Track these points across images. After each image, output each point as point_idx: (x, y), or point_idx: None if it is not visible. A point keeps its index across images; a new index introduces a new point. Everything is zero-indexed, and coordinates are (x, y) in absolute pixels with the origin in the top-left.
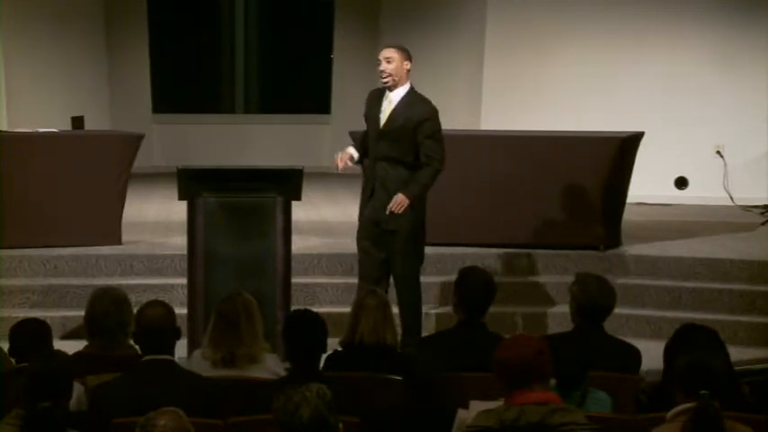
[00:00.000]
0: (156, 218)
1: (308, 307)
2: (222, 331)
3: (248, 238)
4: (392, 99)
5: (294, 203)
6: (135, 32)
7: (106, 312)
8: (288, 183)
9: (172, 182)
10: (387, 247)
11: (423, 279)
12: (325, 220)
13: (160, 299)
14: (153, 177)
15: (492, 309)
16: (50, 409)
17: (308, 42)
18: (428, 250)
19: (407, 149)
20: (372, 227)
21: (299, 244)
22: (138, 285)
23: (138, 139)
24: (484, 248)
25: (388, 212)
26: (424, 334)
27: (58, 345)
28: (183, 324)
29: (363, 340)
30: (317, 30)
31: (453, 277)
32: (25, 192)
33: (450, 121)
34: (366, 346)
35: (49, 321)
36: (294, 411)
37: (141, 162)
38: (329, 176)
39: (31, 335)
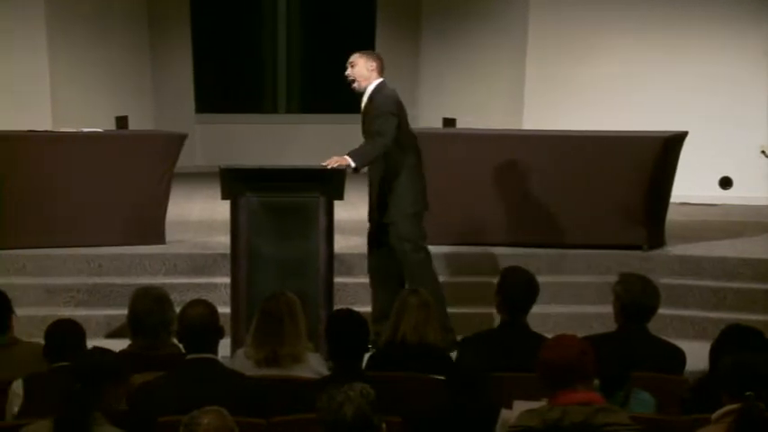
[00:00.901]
0: (200, 217)
1: (351, 306)
2: (266, 331)
3: (291, 237)
4: (364, 98)
5: (336, 203)
6: (178, 33)
7: (149, 311)
8: (330, 182)
9: (215, 181)
10: (388, 239)
11: (466, 279)
12: (366, 220)
13: (203, 298)
14: (196, 177)
15: (534, 309)
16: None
17: (350, 42)
18: (470, 250)
19: None
20: (372, 224)
21: (341, 243)
22: (182, 284)
23: (182, 138)
24: (526, 248)
25: (326, 164)
26: (467, 335)
27: (102, 343)
28: (225, 323)
29: (405, 339)
30: (359, 29)
31: (495, 278)
32: (70, 191)
33: (491, 120)
34: (408, 345)
35: (93, 320)
36: (337, 410)
37: (184, 162)
38: None
39: (66, 335)
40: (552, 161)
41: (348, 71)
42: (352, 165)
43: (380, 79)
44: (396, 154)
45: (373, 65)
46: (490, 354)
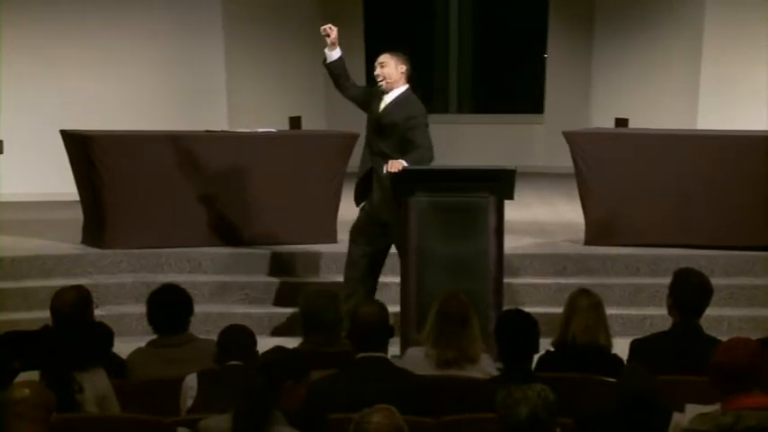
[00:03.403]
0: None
1: (520, 307)
2: (448, 331)
3: (461, 237)
4: (386, 99)
5: (506, 203)
6: (351, 33)
7: (322, 309)
8: (500, 182)
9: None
10: (382, 241)
11: (636, 281)
12: (537, 220)
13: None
14: None
15: (708, 311)
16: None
17: (522, 42)
18: (640, 251)
19: (397, 146)
20: (369, 222)
21: (511, 244)
22: None
23: (354, 138)
24: (698, 250)
25: (384, 172)
26: (638, 336)
27: (269, 342)
28: (395, 322)
29: (576, 341)
30: (532, 29)
31: (667, 279)
32: (244, 190)
33: (665, 120)
34: (578, 346)
35: (265, 318)
36: (513, 407)
37: (355, 161)
38: (541, 176)
39: (238, 341)
40: (725, 161)
41: (377, 71)
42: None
43: (407, 85)
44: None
45: (404, 68)
46: (662, 356)
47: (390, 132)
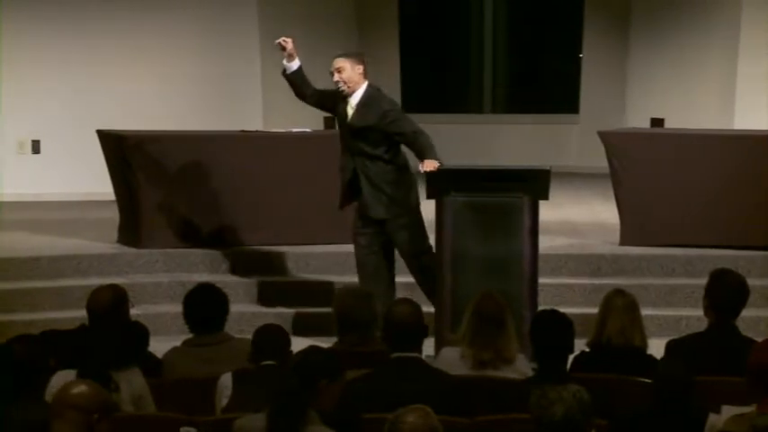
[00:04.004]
0: None
1: (555, 307)
2: (485, 332)
3: (495, 237)
4: (352, 103)
5: (541, 203)
6: (386, 34)
7: (356, 308)
8: (535, 183)
9: (419, 181)
10: (382, 238)
11: (672, 281)
12: (572, 220)
13: (408, 297)
14: None
15: (744, 312)
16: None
17: (557, 41)
18: (676, 251)
19: (378, 144)
20: (365, 223)
21: (545, 244)
22: None
23: None
24: (734, 250)
25: (421, 171)
26: (674, 337)
27: (303, 342)
28: (429, 322)
29: (611, 341)
30: (567, 29)
31: (702, 280)
32: (279, 190)
33: (701, 120)
34: (614, 347)
35: (299, 317)
36: (547, 407)
37: None
38: (576, 176)
39: (273, 340)
40: (762, 160)
41: (336, 77)
42: (436, 161)
43: (366, 82)
44: (390, 154)
45: (361, 68)
46: (698, 357)
47: (367, 134)
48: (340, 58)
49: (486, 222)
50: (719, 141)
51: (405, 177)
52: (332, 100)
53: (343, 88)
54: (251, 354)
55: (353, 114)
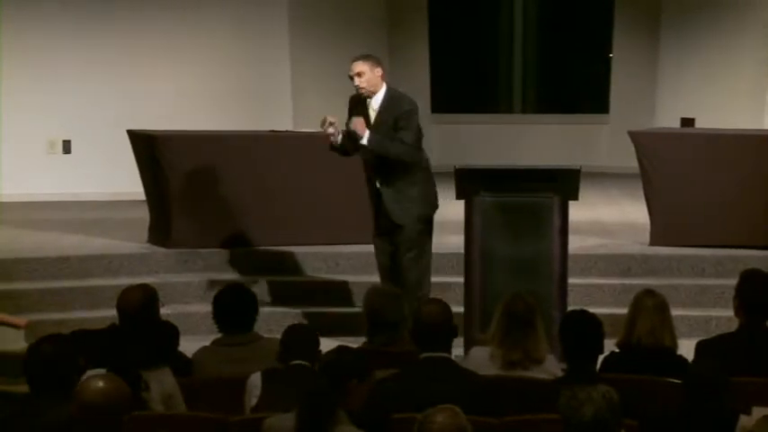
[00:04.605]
0: (434, 217)
1: (584, 308)
2: (515, 333)
3: (525, 237)
4: (374, 106)
5: (571, 203)
6: (416, 34)
7: (386, 309)
8: (565, 183)
9: (449, 181)
10: (395, 242)
11: (702, 281)
12: (602, 220)
13: (437, 297)
14: None
15: None
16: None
17: (587, 41)
18: (706, 252)
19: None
20: (385, 224)
21: (575, 244)
22: None
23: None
24: (765, 250)
25: (351, 127)
26: (704, 337)
27: (331, 342)
28: (458, 322)
29: (641, 342)
30: (597, 29)
31: (733, 280)
32: (310, 190)
33: (730, 120)
34: (643, 347)
35: (327, 317)
36: (577, 408)
37: None
38: (606, 176)
39: (302, 341)
40: None
41: (356, 81)
42: (364, 140)
43: (385, 84)
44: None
45: (380, 70)
46: (728, 358)
47: (390, 137)
48: (359, 62)
49: (516, 222)
50: (750, 141)
51: (425, 181)
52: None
53: (363, 92)
54: (280, 353)
55: (377, 117)
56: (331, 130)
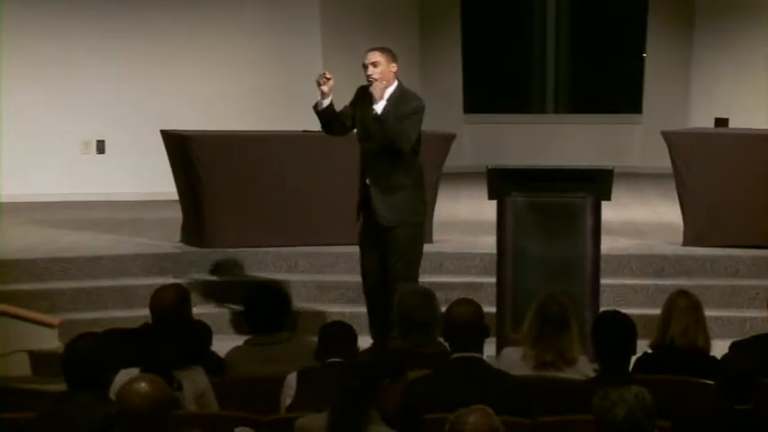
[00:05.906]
0: (466, 217)
1: (617, 308)
2: (549, 333)
3: (557, 237)
4: (382, 101)
5: (603, 203)
6: (448, 34)
7: (418, 309)
8: (598, 183)
9: (481, 181)
10: (384, 246)
11: (736, 282)
12: (635, 220)
13: (469, 297)
14: (462, 177)
15: None
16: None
17: (621, 41)
18: (740, 252)
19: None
20: (374, 225)
21: (608, 245)
22: (448, 283)
23: (451, 138)
24: None
25: (371, 90)
26: (737, 338)
27: (367, 341)
28: (491, 323)
29: (674, 343)
30: (630, 28)
31: (767, 281)
32: (340, 191)
33: (764, 120)
34: (677, 348)
35: (362, 317)
36: (609, 409)
37: (452, 161)
38: (639, 177)
39: (340, 337)
40: None
41: (370, 71)
42: (379, 107)
43: (397, 81)
44: (409, 158)
45: (395, 66)
46: (762, 358)
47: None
48: (376, 52)
49: (548, 223)
50: None
51: (414, 185)
52: (353, 109)
53: (373, 83)
54: (317, 351)
55: (384, 111)
56: (325, 88)
